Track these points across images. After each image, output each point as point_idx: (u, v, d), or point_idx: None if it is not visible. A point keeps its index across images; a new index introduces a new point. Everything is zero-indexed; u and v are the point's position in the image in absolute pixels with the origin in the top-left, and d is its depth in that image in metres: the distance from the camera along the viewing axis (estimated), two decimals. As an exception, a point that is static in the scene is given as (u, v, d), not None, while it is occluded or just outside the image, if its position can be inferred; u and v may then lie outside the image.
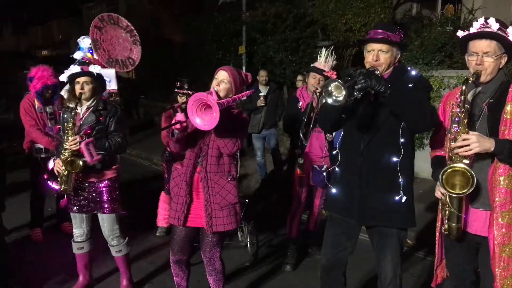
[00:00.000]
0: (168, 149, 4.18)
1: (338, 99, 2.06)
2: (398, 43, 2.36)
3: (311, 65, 3.87)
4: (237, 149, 2.60)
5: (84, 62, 3.18)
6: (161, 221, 4.52)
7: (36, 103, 4.12)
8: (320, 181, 3.69)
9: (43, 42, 23.78)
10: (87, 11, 19.48)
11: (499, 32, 2.10)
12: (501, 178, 2.09)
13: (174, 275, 2.93)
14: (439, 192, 2.22)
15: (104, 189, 3.16)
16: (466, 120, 2.06)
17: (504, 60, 2.16)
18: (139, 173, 7.45)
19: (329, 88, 2.08)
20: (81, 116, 3.10)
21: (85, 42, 3.97)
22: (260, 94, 6.40)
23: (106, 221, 3.20)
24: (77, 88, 3.06)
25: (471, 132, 2.05)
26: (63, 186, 3.07)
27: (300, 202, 3.86)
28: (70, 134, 2.98)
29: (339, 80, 2.05)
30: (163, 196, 4.53)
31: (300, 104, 3.81)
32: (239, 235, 4.22)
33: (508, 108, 2.09)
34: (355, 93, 2.13)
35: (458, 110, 2.07)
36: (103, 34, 4.59)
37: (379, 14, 9.22)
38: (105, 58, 4.52)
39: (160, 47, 12.57)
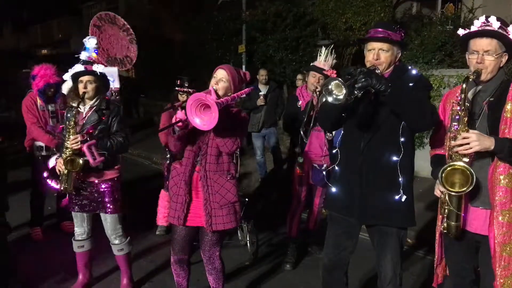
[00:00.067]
0: (167, 148, 4.18)
1: (338, 97, 2.06)
2: (399, 42, 2.36)
3: (311, 64, 3.87)
4: (236, 147, 2.60)
5: (88, 61, 3.17)
6: (161, 220, 4.52)
7: (38, 101, 4.13)
8: (320, 180, 3.69)
9: (43, 41, 23.77)
10: (87, 10, 19.49)
11: (500, 30, 2.10)
12: (501, 177, 2.09)
13: (175, 275, 2.93)
14: (438, 190, 2.22)
15: (106, 189, 3.16)
16: (466, 119, 2.06)
17: (504, 58, 2.15)
18: (139, 172, 7.45)
19: (330, 87, 2.07)
20: (84, 115, 3.09)
21: (90, 42, 3.97)
22: (260, 93, 6.40)
23: (109, 221, 3.20)
24: (80, 87, 3.05)
25: (471, 131, 2.05)
26: (63, 185, 3.07)
27: (300, 201, 3.86)
28: (71, 133, 2.98)
29: (340, 79, 2.05)
30: (162, 194, 4.53)
31: (299, 103, 3.81)
32: (239, 234, 4.22)
33: (508, 106, 2.09)
34: (356, 92, 2.12)
35: (458, 108, 2.07)
36: (102, 33, 4.60)
37: (379, 13, 9.22)
38: (105, 57, 4.53)
39: (160, 47, 12.57)
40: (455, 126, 2.08)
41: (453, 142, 2.08)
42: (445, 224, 2.18)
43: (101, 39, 4.56)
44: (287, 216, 3.96)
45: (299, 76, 6.95)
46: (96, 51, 4.17)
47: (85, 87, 3.04)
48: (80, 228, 3.25)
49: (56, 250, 3.98)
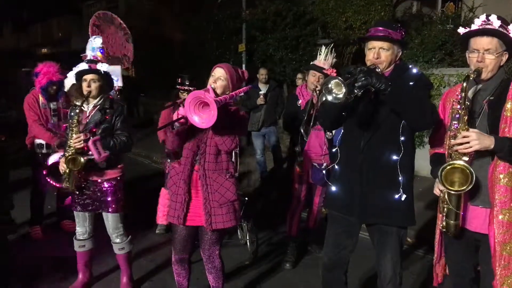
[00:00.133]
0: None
1: (338, 96, 2.05)
2: (399, 40, 2.35)
3: (311, 63, 3.87)
4: (235, 146, 2.60)
5: (92, 60, 3.16)
6: (161, 218, 4.52)
7: (41, 99, 4.13)
8: (320, 179, 3.69)
9: (42, 40, 23.75)
10: (87, 9, 19.47)
11: (500, 29, 2.10)
12: (501, 176, 2.09)
13: (175, 274, 2.93)
14: (437, 189, 2.22)
15: (109, 188, 3.16)
16: (466, 117, 2.06)
17: (505, 57, 2.15)
18: (139, 171, 7.44)
19: (329, 86, 2.07)
20: (87, 114, 3.09)
21: (96, 41, 3.98)
22: (260, 92, 6.39)
23: (110, 220, 3.20)
24: (84, 85, 3.05)
25: (471, 130, 2.05)
26: (65, 183, 3.06)
27: (300, 200, 3.86)
28: (74, 131, 2.97)
29: (339, 78, 2.05)
30: (163, 192, 4.52)
31: (299, 102, 3.81)
32: (239, 233, 4.22)
33: (508, 105, 2.09)
34: (355, 91, 2.12)
35: (458, 107, 2.07)
36: (102, 33, 4.59)
37: (379, 12, 9.22)
38: (105, 56, 4.52)
39: (160, 46, 12.56)
40: (455, 125, 2.07)
41: (453, 141, 2.08)
42: (444, 223, 2.18)
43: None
44: (287, 215, 3.96)
45: (299, 75, 6.95)
46: (101, 51, 4.17)
47: (89, 86, 3.04)
48: (81, 227, 3.25)
49: (56, 249, 3.98)
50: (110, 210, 3.16)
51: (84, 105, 3.04)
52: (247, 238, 4.07)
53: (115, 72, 4.07)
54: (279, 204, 5.07)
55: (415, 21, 8.75)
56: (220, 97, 2.41)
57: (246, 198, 4.22)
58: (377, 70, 2.25)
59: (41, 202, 4.46)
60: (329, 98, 2.08)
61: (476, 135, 2.01)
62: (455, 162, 2.04)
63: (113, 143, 3.04)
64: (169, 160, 4.33)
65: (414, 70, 2.38)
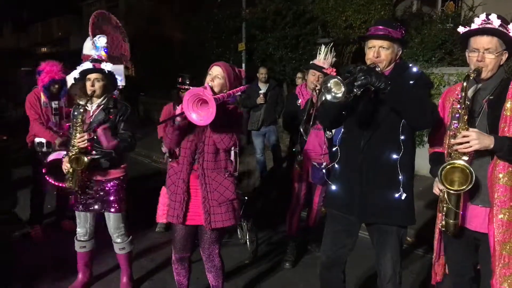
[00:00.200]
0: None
1: (337, 95, 2.05)
2: (399, 39, 2.35)
3: (311, 62, 3.87)
4: (233, 143, 2.61)
5: (96, 60, 3.16)
6: (161, 217, 4.52)
7: (42, 97, 4.14)
8: (320, 179, 3.69)
9: (42, 39, 23.76)
10: (87, 8, 19.49)
11: (500, 28, 2.09)
12: (501, 175, 2.09)
13: (175, 273, 2.93)
14: (437, 188, 2.22)
15: (112, 187, 3.16)
16: (466, 117, 2.05)
17: (504, 56, 2.15)
18: (139, 171, 7.44)
19: (328, 85, 2.07)
20: (91, 114, 3.08)
21: (100, 41, 3.97)
22: (260, 91, 6.39)
23: (112, 220, 3.20)
24: (88, 84, 3.04)
25: (471, 129, 2.05)
26: (69, 183, 3.06)
27: (300, 199, 3.86)
28: (78, 131, 2.97)
29: (338, 77, 2.04)
30: (163, 190, 4.52)
31: (299, 102, 3.80)
32: (239, 233, 4.22)
33: (508, 105, 2.09)
34: (355, 90, 2.12)
35: (458, 106, 2.06)
36: (101, 32, 4.58)
37: (379, 11, 9.22)
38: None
39: (160, 46, 12.56)
40: (455, 124, 2.07)
41: (452, 140, 2.07)
42: (443, 222, 2.18)
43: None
44: (287, 214, 3.96)
45: (299, 75, 6.95)
46: (105, 50, 4.17)
47: (93, 85, 3.03)
48: (82, 228, 3.23)
49: (56, 249, 3.98)
50: (112, 210, 3.16)
51: (88, 104, 3.03)
52: (247, 237, 4.07)
53: (118, 71, 4.07)
54: (279, 204, 5.07)
55: (415, 20, 8.75)
56: (218, 95, 2.41)
57: (246, 198, 4.22)
58: (377, 69, 2.24)
59: (41, 201, 4.46)
60: (328, 97, 2.08)
61: (476, 135, 2.01)
62: (455, 161, 2.04)
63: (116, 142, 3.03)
64: (170, 160, 4.33)
65: (414, 69, 2.38)
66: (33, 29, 24.91)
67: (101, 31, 4.44)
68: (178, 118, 2.53)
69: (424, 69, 6.29)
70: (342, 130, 2.57)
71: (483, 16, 2.14)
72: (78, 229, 3.25)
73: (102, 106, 3.09)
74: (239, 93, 2.67)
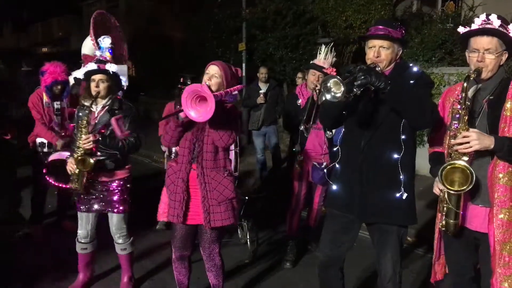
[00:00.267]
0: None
1: (336, 95, 2.05)
2: (399, 39, 2.35)
3: (311, 62, 3.87)
4: (232, 141, 2.61)
5: (101, 60, 3.16)
6: (162, 215, 4.51)
7: (45, 98, 4.14)
8: (320, 178, 3.69)
9: (43, 39, 23.75)
10: (87, 8, 19.49)
11: (500, 28, 2.09)
12: (501, 175, 2.09)
13: (176, 272, 2.93)
14: (437, 188, 2.22)
15: (116, 188, 3.16)
16: (466, 117, 2.06)
17: (504, 57, 2.15)
18: (139, 170, 7.43)
19: (328, 84, 2.07)
20: (96, 115, 3.08)
21: (105, 41, 3.96)
22: (260, 91, 6.39)
23: (115, 220, 3.20)
24: (93, 85, 3.04)
25: (471, 129, 2.05)
26: (74, 184, 3.05)
27: (300, 199, 3.87)
28: (83, 132, 2.96)
29: (338, 77, 2.05)
30: (165, 189, 4.52)
31: (299, 102, 3.81)
32: (239, 233, 4.22)
33: (508, 105, 2.09)
34: (355, 90, 2.12)
35: (458, 107, 2.06)
36: (103, 32, 4.58)
37: (379, 11, 9.22)
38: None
39: (160, 46, 12.56)
40: (455, 125, 2.07)
41: (453, 140, 2.08)
42: (443, 222, 2.18)
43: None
44: (287, 214, 3.96)
45: (299, 74, 6.95)
46: (110, 51, 4.16)
47: (97, 86, 3.03)
48: (83, 230, 3.22)
49: (56, 249, 3.98)
50: (115, 211, 3.17)
51: (92, 105, 3.03)
52: (248, 237, 4.07)
53: (123, 71, 4.06)
54: (279, 204, 5.07)
55: (415, 20, 8.75)
56: (216, 93, 2.42)
57: (247, 198, 4.22)
58: (377, 68, 2.24)
59: (41, 201, 4.46)
60: (328, 96, 2.08)
61: (476, 135, 2.01)
62: (455, 162, 2.04)
63: (121, 144, 3.04)
64: (172, 156, 4.33)
65: (415, 69, 2.38)
66: (33, 29, 24.90)
67: (103, 31, 4.44)
68: (181, 114, 2.53)
69: (424, 69, 6.29)
70: (343, 130, 2.57)
71: (483, 17, 2.14)
72: (79, 231, 3.24)
73: (107, 107, 3.09)
74: (237, 92, 2.67)
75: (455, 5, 9.40)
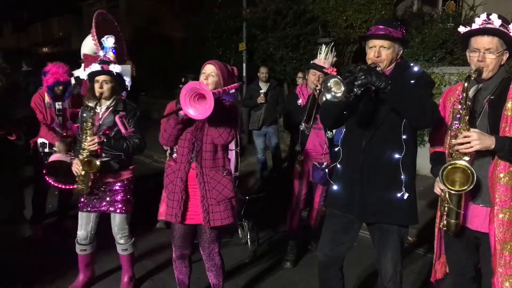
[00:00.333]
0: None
1: (336, 95, 2.05)
2: (400, 39, 2.35)
3: (311, 62, 3.87)
4: (231, 138, 2.61)
5: (105, 61, 3.16)
6: (162, 214, 4.51)
7: (46, 98, 4.15)
8: (320, 178, 3.69)
9: (43, 39, 23.76)
10: (87, 8, 19.49)
11: (501, 28, 2.09)
12: (501, 175, 2.09)
13: (176, 272, 2.93)
14: (438, 188, 2.22)
15: (120, 189, 3.17)
16: (467, 117, 2.06)
17: (505, 56, 2.15)
18: (140, 170, 7.37)
19: (328, 84, 2.07)
20: (100, 116, 3.08)
21: (109, 41, 3.96)
22: (261, 91, 6.40)
23: (118, 220, 3.21)
24: (96, 86, 3.03)
25: (472, 129, 2.05)
26: (80, 186, 3.05)
27: (300, 199, 3.86)
28: (88, 134, 2.96)
29: (338, 76, 2.05)
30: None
31: (300, 101, 3.81)
32: (240, 233, 4.22)
33: (509, 105, 2.09)
34: (355, 89, 2.11)
35: (459, 107, 2.06)
36: (104, 32, 4.58)
37: (380, 11, 9.22)
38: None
39: (160, 46, 12.55)
40: (456, 125, 2.07)
41: (453, 140, 2.07)
42: (444, 222, 2.18)
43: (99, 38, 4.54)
44: (287, 214, 3.96)
45: (299, 74, 6.95)
46: (113, 50, 4.16)
47: (101, 87, 3.02)
48: (83, 231, 3.21)
49: (56, 249, 3.98)
50: (118, 211, 3.17)
51: (97, 106, 3.03)
52: (248, 237, 4.07)
53: (126, 71, 4.06)
54: (279, 203, 5.07)
55: (415, 20, 8.75)
56: (214, 90, 2.42)
57: (247, 197, 4.22)
58: (377, 68, 2.24)
59: (42, 201, 4.46)
60: (328, 96, 2.08)
61: (477, 135, 2.01)
62: (456, 162, 2.04)
63: (126, 145, 3.04)
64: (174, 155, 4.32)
65: (416, 68, 2.38)
66: (33, 29, 24.91)
67: (104, 31, 4.44)
68: (182, 112, 2.53)
69: (425, 69, 6.29)
70: (343, 130, 2.57)
71: (484, 16, 2.14)
72: (78, 232, 3.23)
73: (111, 108, 3.09)
74: (234, 90, 2.67)
75: (456, 4, 9.39)
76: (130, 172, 3.24)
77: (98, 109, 3.06)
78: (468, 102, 2.06)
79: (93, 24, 4.51)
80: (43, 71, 4.13)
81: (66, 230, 4.36)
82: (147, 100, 13.16)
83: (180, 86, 4.30)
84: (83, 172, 3.00)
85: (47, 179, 3.64)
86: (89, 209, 3.16)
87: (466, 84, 2.04)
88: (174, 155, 4.31)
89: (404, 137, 2.31)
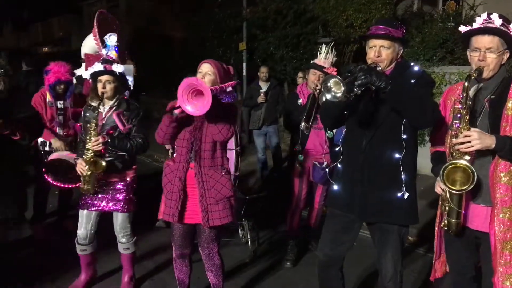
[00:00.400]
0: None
1: (336, 95, 2.05)
2: (400, 38, 2.35)
3: (311, 61, 3.87)
4: (231, 134, 2.61)
5: (107, 60, 3.15)
6: (162, 214, 4.50)
7: (48, 97, 4.15)
8: (320, 178, 3.69)
9: (43, 39, 23.75)
10: (87, 8, 19.49)
11: (502, 27, 2.09)
12: (502, 175, 2.09)
13: (176, 271, 2.93)
14: (439, 187, 2.22)
15: (122, 188, 3.17)
16: (467, 117, 2.05)
17: (506, 56, 2.15)
18: (140, 170, 7.34)
19: (328, 84, 2.07)
20: (103, 116, 3.08)
21: (111, 39, 3.96)
22: (261, 90, 6.39)
23: (120, 219, 3.21)
24: (99, 86, 3.03)
25: (472, 129, 2.05)
26: (85, 186, 3.05)
27: (300, 198, 3.86)
28: (93, 134, 2.96)
29: (338, 76, 2.05)
30: None
31: (300, 101, 3.80)
32: (240, 232, 4.22)
33: (509, 104, 2.09)
34: (355, 89, 2.11)
35: (460, 106, 2.06)
36: (102, 31, 4.58)
37: (380, 10, 9.22)
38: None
39: (160, 46, 12.54)
40: (457, 124, 2.07)
41: (454, 140, 2.07)
42: (445, 221, 2.18)
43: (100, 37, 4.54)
44: (287, 214, 3.96)
45: (300, 74, 6.95)
46: (116, 49, 4.16)
47: (104, 87, 3.02)
48: (83, 230, 3.20)
49: (56, 249, 3.98)
50: (120, 210, 3.17)
51: (100, 106, 3.02)
52: (248, 237, 4.07)
53: (128, 71, 4.05)
54: (279, 203, 5.07)
55: (416, 19, 8.75)
56: (212, 87, 2.42)
57: (247, 197, 4.22)
58: (378, 68, 2.24)
59: (43, 201, 4.46)
60: (328, 96, 2.08)
61: (478, 135, 2.01)
62: (457, 161, 2.04)
63: (130, 145, 3.04)
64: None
65: (416, 68, 2.37)
66: (33, 29, 24.89)
67: (105, 30, 4.43)
68: (176, 110, 2.53)
69: (425, 68, 6.28)
70: (344, 129, 2.57)
71: (484, 16, 2.14)
72: (78, 231, 3.22)
73: (114, 108, 3.09)
74: (231, 88, 2.67)
75: (456, 4, 9.39)
76: (132, 171, 3.25)
77: (101, 109, 3.06)
78: (468, 102, 2.06)
79: (95, 23, 4.51)
80: (45, 70, 4.14)
81: (66, 230, 4.36)
82: (147, 100, 13.17)
83: None
84: (88, 173, 3.00)
85: (46, 177, 3.64)
86: (90, 208, 3.17)
87: (466, 84, 2.04)
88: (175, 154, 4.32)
89: (404, 136, 2.30)
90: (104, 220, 3.28)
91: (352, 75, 2.10)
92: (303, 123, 3.57)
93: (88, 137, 2.97)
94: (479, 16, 2.17)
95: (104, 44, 3.98)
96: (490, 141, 2.01)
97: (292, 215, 3.92)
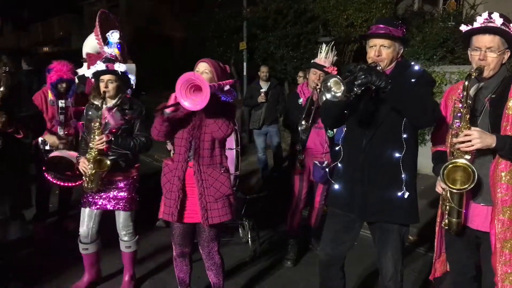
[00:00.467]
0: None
1: (336, 94, 2.05)
2: (401, 38, 2.34)
3: (312, 61, 3.87)
4: (231, 131, 2.62)
5: (110, 59, 3.15)
6: (162, 213, 4.50)
7: (50, 95, 4.16)
8: (321, 177, 3.69)
9: (43, 38, 23.74)
10: (88, 7, 19.47)
11: (502, 27, 2.09)
12: (503, 174, 2.09)
13: (177, 270, 2.93)
14: (439, 187, 2.22)
15: (125, 187, 3.18)
16: (468, 116, 2.05)
17: (507, 55, 2.15)
18: (141, 170, 7.35)
19: (328, 84, 2.07)
20: (106, 115, 3.08)
21: (114, 36, 3.95)
22: (261, 90, 6.39)
23: (122, 217, 3.22)
24: (102, 86, 3.04)
25: (473, 128, 2.05)
26: (89, 185, 3.05)
27: (301, 198, 3.86)
28: (96, 133, 2.96)
29: (338, 76, 2.05)
30: None
31: (300, 101, 3.80)
32: (240, 232, 4.22)
33: (510, 103, 2.08)
34: (355, 89, 2.11)
35: (460, 105, 2.06)
36: (104, 31, 4.58)
37: (381, 10, 9.21)
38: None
39: (160, 46, 12.54)
40: (457, 123, 2.07)
41: (454, 139, 2.07)
42: (446, 221, 2.18)
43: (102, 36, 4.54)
44: (288, 213, 3.95)
45: (300, 73, 6.94)
46: (118, 46, 4.15)
47: (106, 87, 3.02)
48: (85, 227, 3.20)
49: (57, 248, 3.98)
50: (122, 208, 3.17)
51: (103, 106, 3.03)
52: (249, 236, 4.07)
53: (131, 70, 4.04)
54: (280, 203, 5.07)
55: (416, 19, 8.74)
56: (210, 84, 2.42)
57: (248, 197, 4.22)
58: (378, 68, 2.24)
59: (44, 199, 4.45)
60: (328, 96, 2.08)
61: (478, 134, 2.01)
62: (457, 160, 2.04)
63: (133, 143, 3.05)
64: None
65: (416, 67, 2.37)
66: (33, 29, 24.88)
67: (107, 29, 4.43)
68: (167, 110, 2.53)
69: (425, 68, 6.28)
70: (344, 129, 2.57)
71: (485, 15, 2.13)
72: (80, 229, 3.22)
73: (117, 107, 3.09)
74: (228, 86, 2.67)
75: (457, 3, 9.38)
76: (135, 170, 3.26)
77: (104, 108, 3.06)
78: (469, 101, 2.06)
79: (97, 23, 4.51)
80: (47, 69, 4.14)
81: (67, 230, 4.36)
82: (147, 99, 13.17)
83: None
84: (93, 171, 3.00)
85: (47, 175, 3.64)
86: (92, 206, 3.17)
87: (466, 83, 2.04)
88: (172, 152, 4.31)
89: (404, 136, 2.30)
90: (105, 221, 3.28)
91: (352, 75, 2.10)
92: (303, 122, 3.57)
93: (91, 136, 2.98)
94: (480, 15, 2.17)
95: (106, 42, 3.98)
96: (490, 140, 2.01)
97: (292, 214, 3.92)
